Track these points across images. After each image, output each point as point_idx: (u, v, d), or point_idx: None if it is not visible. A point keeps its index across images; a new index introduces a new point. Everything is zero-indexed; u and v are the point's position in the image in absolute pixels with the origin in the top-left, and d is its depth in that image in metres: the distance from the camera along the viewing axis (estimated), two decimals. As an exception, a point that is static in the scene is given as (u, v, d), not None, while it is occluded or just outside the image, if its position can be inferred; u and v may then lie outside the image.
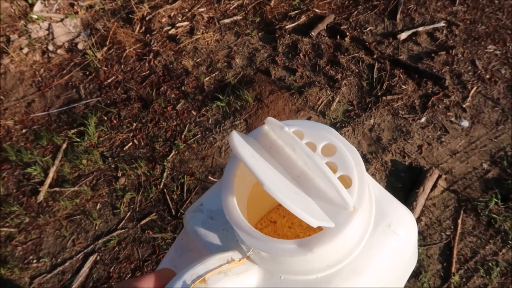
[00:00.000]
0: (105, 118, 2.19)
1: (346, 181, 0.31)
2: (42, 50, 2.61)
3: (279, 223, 0.46)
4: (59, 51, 2.60)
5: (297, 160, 0.32)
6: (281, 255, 0.29)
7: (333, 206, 0.30)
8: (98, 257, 1.72)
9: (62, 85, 2.42)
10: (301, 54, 2.32)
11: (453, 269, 1.53)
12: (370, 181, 0.36)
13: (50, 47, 2.62)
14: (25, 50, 2.59)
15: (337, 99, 2.09)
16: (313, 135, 0.34)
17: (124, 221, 1.81)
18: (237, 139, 0.30)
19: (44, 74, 2.50)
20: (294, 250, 0.29)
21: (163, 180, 1.90)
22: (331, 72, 2.20)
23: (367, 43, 2.31)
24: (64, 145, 2.09)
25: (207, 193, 0.40)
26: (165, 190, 1.87)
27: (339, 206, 0.30)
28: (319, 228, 0.44)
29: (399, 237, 0.35)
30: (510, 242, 1.56)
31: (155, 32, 2.60)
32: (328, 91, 2.13)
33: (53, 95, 2.38)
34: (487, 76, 2.07)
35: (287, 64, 2.29)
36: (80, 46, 2.61)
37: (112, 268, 1.68)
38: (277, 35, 2.45)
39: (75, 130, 2.15)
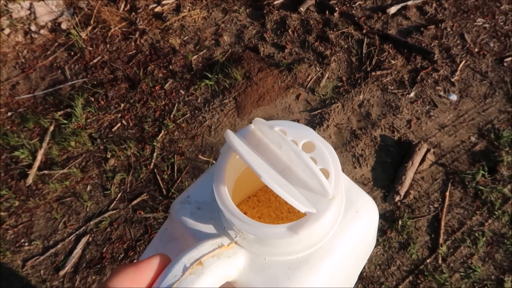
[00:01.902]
0: (92, 99, 2.15)
1: (324, 174, 0.35)
2: (24, 30, 2.54)
3: (249, 214, 0.50)
4: (42, 31, 2.54)
5: (282, 156, 0.36)
6: (272, 238, 0.34)
7: (314, 194, 0.34)
8: (90, 238, 1.72)
9: (47, 66, 2.37)
10: (289, 31, 2.29)
11: (441, 240, 1.56)
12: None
13: (33, 28, 2.55)
14: (7, 31, 2.51)
15: (327, 75, 2.08)
16: (295, 134, 0.38)
17: (115, 202, 1.80)
18: (233, 138, 0.34)
19: (28, 55, 2.44)
20: (283, 233, 0.33)
21: (153, 160, 1.90)
22: (320, 48, 2.18)
23: (356, 18, 2.28)
24: (51, 127, 2.06)
25: (194, 185, 0.44)
26: (155, 170, 1.87)
27: (319, 194, 0.34)
28: (286, 218, 0.50)
29: (365, 221, 0.41)
30: (496, 212, 1.59)
31: (141, 10, 2.54)
32: (317, 68, 2.11)
33: (38, 76, 2.33)
34: (476, 50, 2.07)
35: (275, 41, 2.27)
36: (63, 26, 2.54)
37: (105, 248, 1.69)
38: (265, 11, 2.41)
39: (62, 112, 2.12)
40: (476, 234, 1.56)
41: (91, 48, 2.40)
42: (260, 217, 0.50)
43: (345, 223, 0.39)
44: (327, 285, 0.38)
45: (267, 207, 0.51)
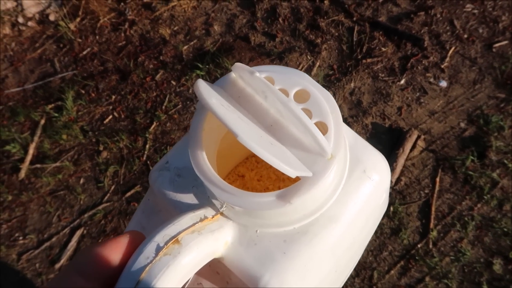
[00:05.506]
0: (83, 92, 2.14)
1: (321, 128, 0.29)
2: (11, 22, 2.50)
3: (248, 177, 0.44)
4: (29, 23, 2.50)
5: (269, 108, 0.30)
6: (259, 209, 0.28)
7: (309, 154, 0.28)
8: (85, 231, 1.73)
9: (36, 59, 2.35)
10: (280, 19, 2.28)
11: (431, 225, 1.59)
12: (344, 127, 0.34)
13: (20, 20, 2.51)
14: (-7, 23, 2.48)
15: (318, 63, 2.08)
16: (284, 80, 0.31)
17: (108, 194, 1.81)
18: (204, 88, 0.27)
19: (16, 48, 2.41)
20: (272, 203, 0.28)
21: (145, 152, 1.90)
22: (311, 36, 2.18)
23: (346, 5, 2.28)
24: (42, 121, 2.05)
25: (173, 150, 0.38)
26: (148, 162, 1.87)
27: (315, 154, 0.28)
28: (288, 180, 0.42)
29: (374, 182, 0.35)
30: (485, 197, 1.62)
31: (129, 0, 2.51)
32: (308, 56, 2.11)
33: (27, 69, 2.31)
34: (465, 36, 2.08)
35: (266, 29, 2.26)
36: (51, 18, 2.51)
37: (100, 240, 1.70)
38: (255, 0, 2.39)
39: (53, 105, 2.11)
40: (466, 219, 1.59)
41: (80, 40, 2.37)
42: (259, 180, 0.44)
43: (349, 185, 0.33)
44: (330, 258, 0.33)
45: (267, 168, 0.45)
